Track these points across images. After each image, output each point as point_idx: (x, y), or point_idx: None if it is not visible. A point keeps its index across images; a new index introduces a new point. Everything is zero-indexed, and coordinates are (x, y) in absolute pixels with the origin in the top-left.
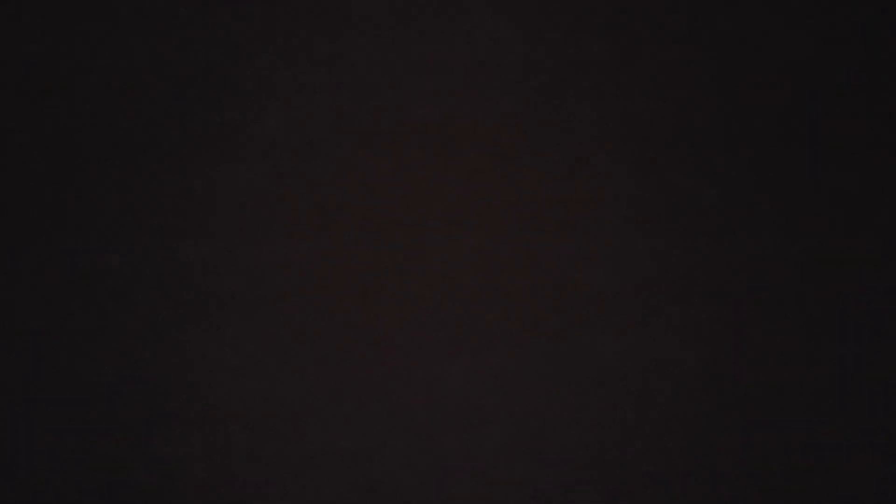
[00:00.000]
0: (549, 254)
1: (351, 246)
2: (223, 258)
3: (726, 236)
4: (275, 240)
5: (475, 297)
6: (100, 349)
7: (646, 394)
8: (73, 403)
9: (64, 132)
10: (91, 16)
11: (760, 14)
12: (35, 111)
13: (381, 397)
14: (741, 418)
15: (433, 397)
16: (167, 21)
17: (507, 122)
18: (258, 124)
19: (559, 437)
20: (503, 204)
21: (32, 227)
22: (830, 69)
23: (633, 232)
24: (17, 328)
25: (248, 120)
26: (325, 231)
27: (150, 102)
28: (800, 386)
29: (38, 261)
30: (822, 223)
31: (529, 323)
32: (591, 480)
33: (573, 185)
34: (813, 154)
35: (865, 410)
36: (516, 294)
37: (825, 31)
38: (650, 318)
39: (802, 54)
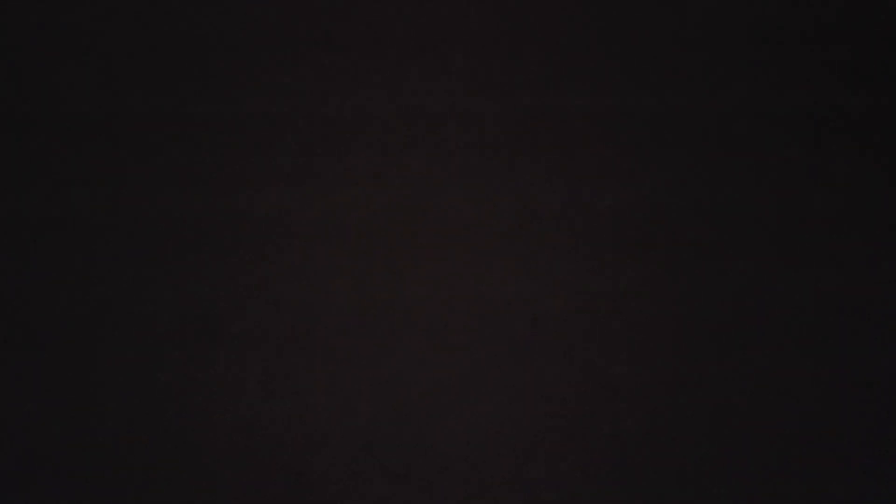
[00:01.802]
0: (545, 252)
1: (347, 248)
2: (218, 261)
3: (725, 239)
4: (272, 242)
5: (471, 298)
6: (99, 360)
7: (643, 395)
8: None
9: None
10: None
11: (761, 16)
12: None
13: (378, 399)
14: (738, 419)
15: (429, 400)
16: (167, 14)
17: (506, 123)
18: (254, 125)
19: (556, 439)
20: (498, 207)
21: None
22: (831, 70)
23: (630, 234)
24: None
25: (244, 121)
26: (322, 232)
27: (146, 104)
28: (794, 389)
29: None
30: (818, 228)
31: (526, 324)
32: (590, 481)
33: (568, 186)
34: (810, 159)
35: (865, 416)
36: (512, 297)
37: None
38: (650, 317)
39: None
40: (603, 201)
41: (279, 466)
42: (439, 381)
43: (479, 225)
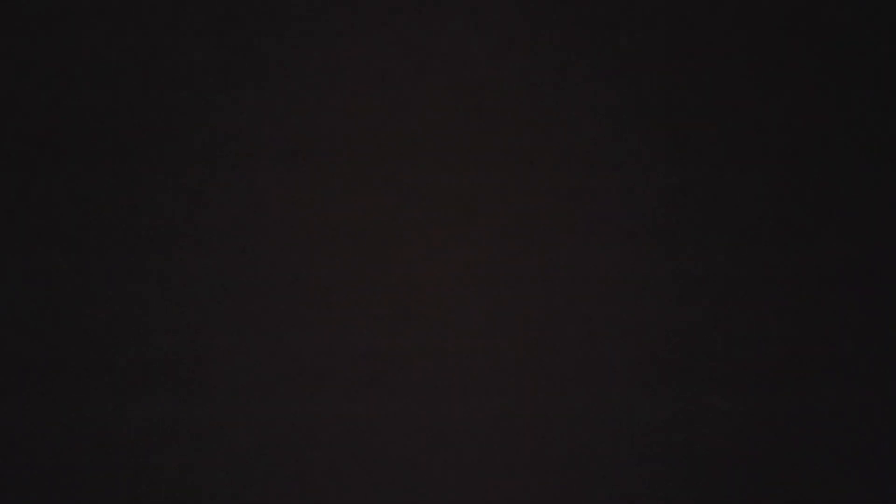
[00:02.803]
0: (551, 251)
1: (351, 246)
2: (220, 263)
3: (733, 239)
4: (274, 244)
5: (472, 298)
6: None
7: (643, 397)
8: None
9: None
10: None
11: (763, 17)
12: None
13: (379, 399)
14: (738, 419)
15: (430, 398)
16: (170, 18)
17: (507, 124)
18: (255, 128)
19: (555, 438)
20: (501, 204)
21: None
22: (832, 72)
23: (635, 234)
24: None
25: (244, 124)
26: (326, 232)
27: (146, 105)
28: (801, 387)
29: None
30: (828, 227)
31: (528, 323)
32: (589, 483)
33: (575, 183)
34: (818, 158)
35: (865, 413)
36: (515, 296)
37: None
38: (651, 320)
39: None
40: (606, 200)
41: (277, 466)
42: (442, 381)
43: (479, 225)
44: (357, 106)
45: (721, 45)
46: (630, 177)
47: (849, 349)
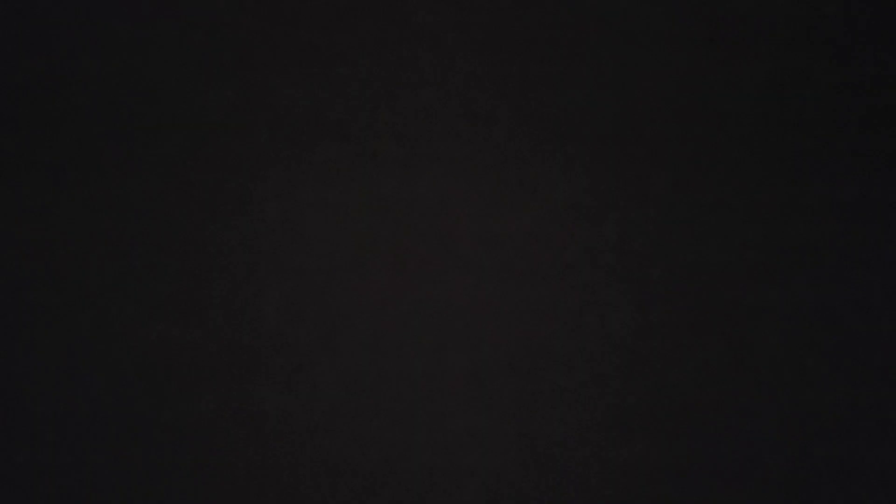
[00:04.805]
0: (547, 253)
1: (352, 255)
2: (224, 268)
3: (721, 243)
4: (281, 250)
5: (472, 301)
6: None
7: (639, 399)
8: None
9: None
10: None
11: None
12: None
13: (380, 402)
14: (736, 418)
15: (431, 401)
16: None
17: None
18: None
19: (554, 439)
20: (499, 206)
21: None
22: (821, 72)
23: (637, 235)
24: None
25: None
26: (329, 236)
27: (139, 100)
28: (792, 391)
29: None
30: (813, 231)
31: (530, 325)
32: (586, 483)
33: (570, 187)
34: (802, 163)
35: (865, 413)
36: (514, 299)
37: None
38: (646, 320)
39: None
40: (606, 200)
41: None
42: (442, 383)
43: (479, 228)
44: (353, 111)
45: (715, 50)
46: (633, 178)
47: (848, 353)
